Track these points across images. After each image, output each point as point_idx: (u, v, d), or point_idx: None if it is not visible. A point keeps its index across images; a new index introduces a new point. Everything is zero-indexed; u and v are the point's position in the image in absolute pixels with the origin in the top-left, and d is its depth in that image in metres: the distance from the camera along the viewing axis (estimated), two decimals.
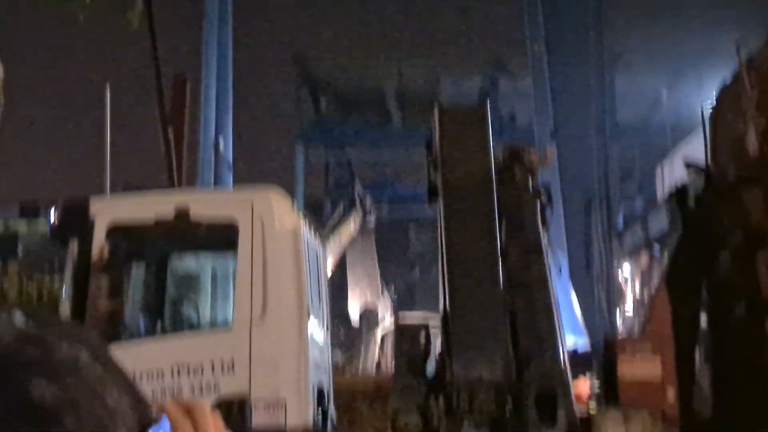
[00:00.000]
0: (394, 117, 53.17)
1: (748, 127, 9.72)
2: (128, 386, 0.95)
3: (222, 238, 9.53)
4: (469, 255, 9.54)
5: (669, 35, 40.72)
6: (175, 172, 21.02)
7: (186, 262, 10.63)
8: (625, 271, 36.63)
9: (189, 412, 1.05)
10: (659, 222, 32.73)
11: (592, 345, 22.58)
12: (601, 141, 35.65)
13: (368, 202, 23.09)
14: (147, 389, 0.99)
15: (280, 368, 8.92)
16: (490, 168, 10.10)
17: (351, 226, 21.79)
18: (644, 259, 35.92)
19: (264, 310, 8.97)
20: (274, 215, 9.23)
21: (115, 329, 9.15)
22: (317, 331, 9.81)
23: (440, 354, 9.66)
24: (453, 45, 47.61)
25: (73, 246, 9.37)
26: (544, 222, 10.24)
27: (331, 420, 10.29)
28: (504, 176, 10.26)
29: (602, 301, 32.86)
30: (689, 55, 40.88)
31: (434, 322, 10.62)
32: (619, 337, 13.18)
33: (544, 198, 10.43)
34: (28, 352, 0.90)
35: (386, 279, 27.22)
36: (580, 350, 20.87)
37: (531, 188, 10.37)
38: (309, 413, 9.04)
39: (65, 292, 9.76)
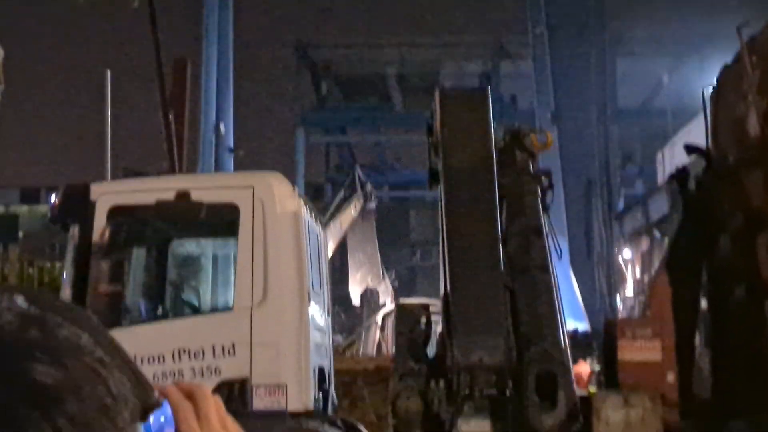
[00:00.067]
0: (395, 101, 53.11)
1: (749, 109, 9.71)
2: (130, 370, 0.95)
3: (223, 222, 9.53)
4: (470, 238, 9.54)
5: (670, 19, 40.65)
6: (175, 157, 21.00)
7: (187, 246, 10.64)
8: (626, 254, 36.64)
9: (190, 395, 1.06)
10: (660, 206, 32.74)
11: (593, 328, 22.63)
12: (602, 125, 35.63)
13: (369, 186, 23.08)
14: (148, 373, 1.00)
15: (280, 351, 8.94)
16: (491, 151, 10.10)
17: (352, 210, 21.79)
18: (644, 242, 35.93)
19: (265, 294, 8.99)
20: (274, 199, 9.24)
21: (115, 313, 9.16)
22: (318, 314, 9.82)
23: (441, 337, 9.68)
24: (454, 28, 47.54)
25: (74, 230, 9.37)
26: (544, 205, 10.24)
27: (332, 402, 10.32)
28: (505, 160, 10.26)
29: (602, 284, 32.90)
30: (691, 38, 40.80)
31: (435, 308, 10.64)
32: (620, 321, 13.19)
33: (544, 181, 10.43)
34: (29, 334, 0.91)
35: (386, 264, 27.23)
36: (581, 334, 20.92)
37: (532, 172, 10.37)
38: (310, 396, 9.06)
39: (66, 276, 9.77)
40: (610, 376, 9.76)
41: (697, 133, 12.05)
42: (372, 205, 22.95)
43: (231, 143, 35.74)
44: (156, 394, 0.99)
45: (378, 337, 21.08)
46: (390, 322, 19.45)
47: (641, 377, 9.26)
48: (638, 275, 35.73)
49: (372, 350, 20.49)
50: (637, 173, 46.80)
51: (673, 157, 27.13)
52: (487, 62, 49.17)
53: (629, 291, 35.36)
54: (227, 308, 9.43)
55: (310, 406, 9.06)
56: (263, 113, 52.48)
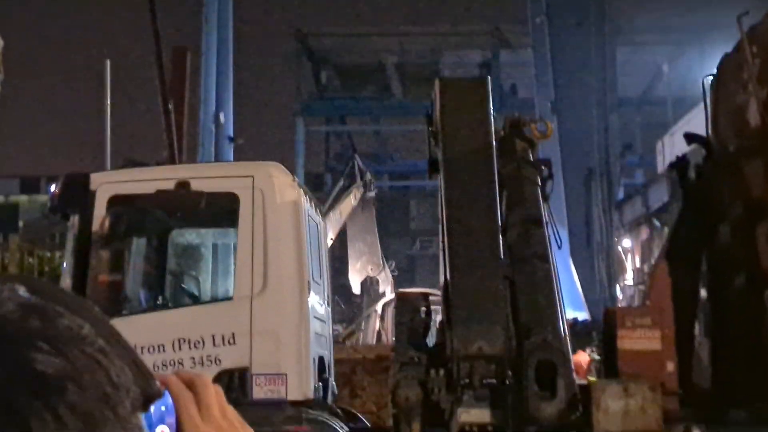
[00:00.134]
0: (395, 90, 53.03)
1: (750, 98, 9.71)
2: (131, 359, 0.95)
3: (223, 211, 9.53)
4: (470, 228, 9.54)
5: (671, 7, 40.56)
6: (175, 146, 20.99)
7: (187, 236, 10.65)
8: (625, 243, 36.64)
9: (191, 384, 1.06)
10: (660, 195, 32.74)
11: (592, 318, 22.65)
12: (602, 114, 35.59)
13: (368, 175, 23.06)
14: (148, 362, 1.00)
15: (280, 341, 8.95)
16: (491, 141, 10.10)
17: (351, 199, 21.77)
18: (644, 231, 35.94)
19: (265, 283, 8.99)
20: (274, 188, 9.24)
21: (115, 302, 9.16)
22: (318, 303, 9.83)
23: (440, 326, 9.69)
24: (454, 17, 47.47)
25: (74, 220, 9.37)
26: (544, 195, 10.24)
27: (332, 392, 10.33)
28: (504, 149, 10.25)
29: (602, 274, 32.90)
30: (691, 28, 40.74)
31: (435, 297, 10.65)
32: (619, 310, 13.20)
33: (544, 171, 10.43)
34: (30, 323, 0.91)
35: (386, 253, 27.23)
36: (580, 323, 20.94)
37: (531, 161, 10.37)
38: (310, 385, 9.07)
39: (66, 265, 9.77)
40: (609, 365, 9.77)
41: (697, 122, 12.05)
42: (372, 194, 22.92)
43: (231, 132, 35.71)
44: (157, 383, 0.99)
45: (378, 326, 21.09)
46: (390, 312, 19.47)
47: (641, 366, 9.27)
48: (638, 264, 35.75)
49: (372, 339, 20.50)
50: (637, 162, 46.78)
51: (673, 146, 27.12)
52: (486, 51, 49.08)
53: (629, 280, 35.38)
54: (227, 298, 9.44)
55: (310, 395, 9.07)
56: (263, 103, 52.45)
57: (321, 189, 39.07)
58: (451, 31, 48.25)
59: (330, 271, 11.53)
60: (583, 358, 16.89)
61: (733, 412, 9.25)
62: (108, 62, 20.03)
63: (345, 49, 49.40)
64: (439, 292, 10.24)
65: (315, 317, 9.52)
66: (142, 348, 8.48)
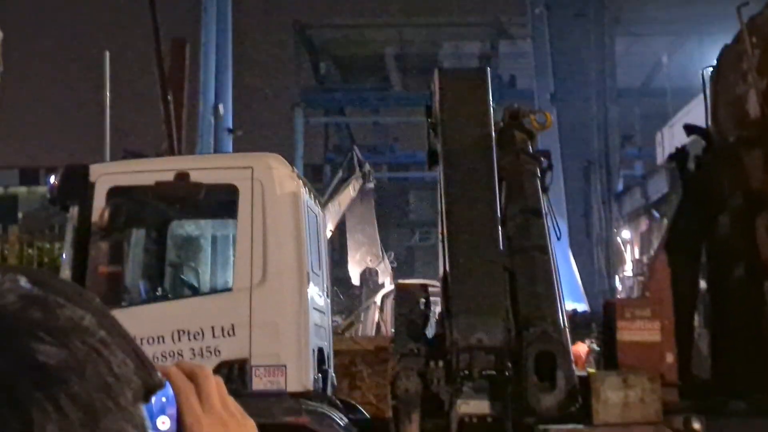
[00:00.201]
0: (394, 81, 53.00)
1: (749, 89, 9.70)
2: (133, 350, 0.95)
3: (222, 202, 9.54)
4: (469, 219, 9.54)
5: None
6: (174, 138, 20.98)
7: (186, 228, 10.65)
8: (625, 235, 36.67)
9: (191, 376, 1.06)
10: (659, 186, 32.75)
11: (592, 309, 22.68)
12: (601, 105, 35.59)
13: (367, 166, 23.06)
14: (148, 353, 1.00)
15: (280, 332, 8.95)
16: (490, 132, 10.09)
17: (350, 191, 21.78)
18: (644, 223, 35.97)
19: (264, 275, 8.99)
20: (274, 180, 9.23)
21: (115, 294, 9.17)
22: (317, 294, 9.84)
23: (440, 318, 9.69)
24: (453, 8, 47.41)
25: (73, 211, 9.37)
26: (543, 186, 10.23)
27: (332, 383, 10.34)
28: (504, 140, 10.25)
29: (602, 265, 32.93)
30: (691, 18, 40.68)
31: (434, 289, 10.65)
32: (619, 301, 13.21)
33: (543, 162, 10.42)
34: (31, 314, 0.91)
35: (386, 244, 27.25)
36: (580, 314, 20.97)
37: (531, 152, 10.36)
38: (309, 377, 9.08)
39: (65, 257, 9.77)
40: (609, 356, 9.78)
41: (696, 113, 12.04)
42: (371, 185, 22.94)
43: (230, 124, 35.68)
44: (158, 374, 0.99)
45: (377, 317, 21.10)
46: (389, 303, 19.47)
47: (640, 358, 9.27)
48: (637, 256, 35.78)
49: (371, 331, 20.51)
50: (636, 153, 46.80)
51: (672, 138, 27.12)
52: (486, 42, 49.05)
53: (628, 271, 35.41)
54: (227, 289, 9.44)
55: (310, 386, 9.08)
56: (262, 94, 52.41)
57: (320, 180, 39.07)
58: (450, 22, 48.22)
59: (329, 263, 11.53)
60: (582, 349, 16.92)
61: (733, 404, 9.25)
62: (107, 54, 20.00)
63: (344, 41, 49.34)
64: (438, 284, 10.24)
65: (314, 308, 9.52)
66: (141, 339, 8.48)
